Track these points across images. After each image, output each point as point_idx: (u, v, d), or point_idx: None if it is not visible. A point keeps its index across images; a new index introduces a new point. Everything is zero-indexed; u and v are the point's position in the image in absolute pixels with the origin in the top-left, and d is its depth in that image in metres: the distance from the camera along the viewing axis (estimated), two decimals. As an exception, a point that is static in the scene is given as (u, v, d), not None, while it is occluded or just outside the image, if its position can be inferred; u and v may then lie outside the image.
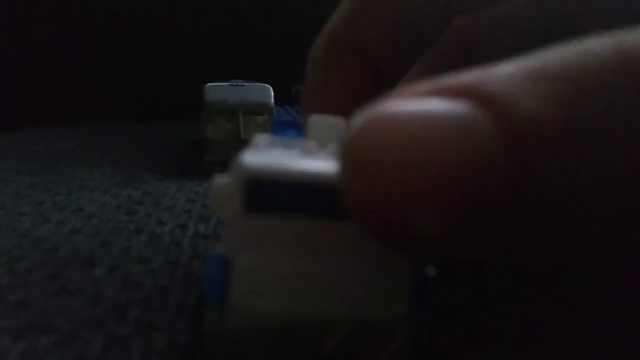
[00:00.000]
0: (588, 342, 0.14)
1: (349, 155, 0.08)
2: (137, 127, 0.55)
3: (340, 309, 0.10)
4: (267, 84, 0.38)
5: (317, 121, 0.12)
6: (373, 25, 0.17)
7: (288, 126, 0.13)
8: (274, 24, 0.64)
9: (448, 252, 0.08)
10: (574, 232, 0.08)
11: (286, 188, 0.09)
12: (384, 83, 0.17)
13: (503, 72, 0.08)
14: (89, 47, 0.63)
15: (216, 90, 0.37)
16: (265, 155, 0.11)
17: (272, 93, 0.38)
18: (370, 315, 0.10)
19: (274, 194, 0.09)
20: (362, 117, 0.08)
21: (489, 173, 0.07)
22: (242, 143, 0.37)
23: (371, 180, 0.07)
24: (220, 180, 0.11)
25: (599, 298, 0.14)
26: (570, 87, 0.07)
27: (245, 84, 0.37)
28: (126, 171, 0.36)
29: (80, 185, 0.32)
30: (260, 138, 0.13)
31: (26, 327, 0.15)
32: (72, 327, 0.15)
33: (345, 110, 0.15)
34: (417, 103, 0.08)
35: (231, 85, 0.38)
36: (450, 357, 0.14)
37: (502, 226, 0.08)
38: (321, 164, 0.10)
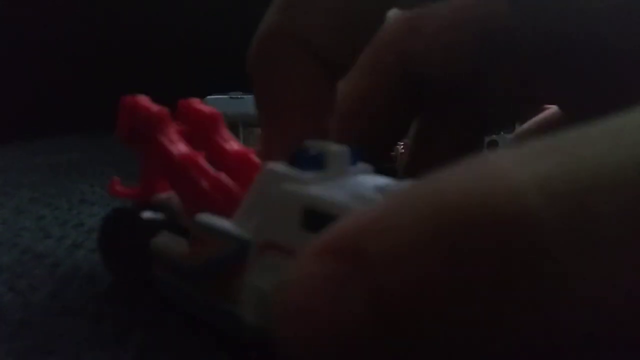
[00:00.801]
0: None
1: (279, 314, 0.09)
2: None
3: None
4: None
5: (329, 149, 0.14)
6: (313, 15, 0.15)
7: (311, 162, 0.14)
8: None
9: None
10: None
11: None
12: (333, 74, 0.16)
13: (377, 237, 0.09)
14: (90, 59, 0.64)
15: (216, 102, 0.38)
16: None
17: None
18: None
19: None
20: (282, 287, 0.09)
21: (361, 324, 0.08)
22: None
23: (292, 338, 0.09)
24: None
25: None
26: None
27: (244, 96, 0.38)
28: (127, 184, 0.36)
29: (81, 199, 0.32)
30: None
31: (29, 350, 0.15)
32: (75, 349, 0.15)
33: (304, 103, 0.15)
34: (312, 267, 0.09)
35: (231, 97, 0.38)
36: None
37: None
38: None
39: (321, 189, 0.13)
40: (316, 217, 0.12)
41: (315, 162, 0.14)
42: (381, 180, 0.14)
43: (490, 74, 0.20)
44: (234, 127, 0.37)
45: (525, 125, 0.25)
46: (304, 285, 0.09)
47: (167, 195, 0.18)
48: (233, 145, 0.19)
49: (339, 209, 0.12)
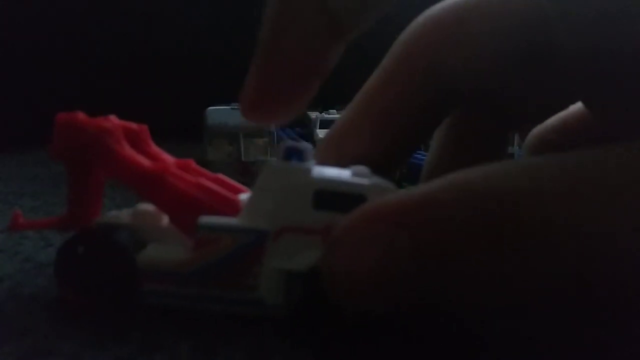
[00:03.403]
0: None
1: (328, 259, 0.13)
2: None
3: None
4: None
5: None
6: None
7: (300, 155, 0.16)
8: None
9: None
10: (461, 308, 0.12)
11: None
12: (339, 33, 0.16)
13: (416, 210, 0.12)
14: (92, 70, 0.64)
15: (217, 113, 0.38)
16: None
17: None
18: None
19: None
20: (332, 240, 0.13)
21: (405, 268, 0.12)
22: (243, 165, 0.38)
23: (340, 277, 0.13)
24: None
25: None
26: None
27: (246, 107, 0.38)
28: (127, 193, 0.37)
29: (82, 208, 0.32)
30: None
31: (29, 351, 0.15)
32: (75, 350, 0.15)
33: (300, 55, 0.16)
34: (363, 231, 0.13)
35: (232, 108, 0.38)
36: None
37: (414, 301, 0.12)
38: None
39: (323, 175, 0.16)
40: (326, 197, 0.15)
41: (301, 156, 0.16)
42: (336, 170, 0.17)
43: (529, 86, 0.19)
44: (235, 138, 0.38)
45: (549, 123, 0.24)
46: (356, 242, 0.12)
47: (114, 214, 0.18)
48: (168, 156, 0.19)
49: (346, 187, 0.15)
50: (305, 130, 0.48)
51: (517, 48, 0.18)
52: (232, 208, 0.17)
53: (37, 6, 0.63)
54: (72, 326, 0.16)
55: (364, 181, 0.16)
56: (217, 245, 0.16)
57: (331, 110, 0.47)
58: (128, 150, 0.17)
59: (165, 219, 0.18)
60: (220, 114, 0.38)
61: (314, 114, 0.47)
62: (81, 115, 0.17)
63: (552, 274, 0.11)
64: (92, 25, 0.65)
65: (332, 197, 0.15)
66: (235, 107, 0.38)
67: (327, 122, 0.44)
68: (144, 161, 0.17)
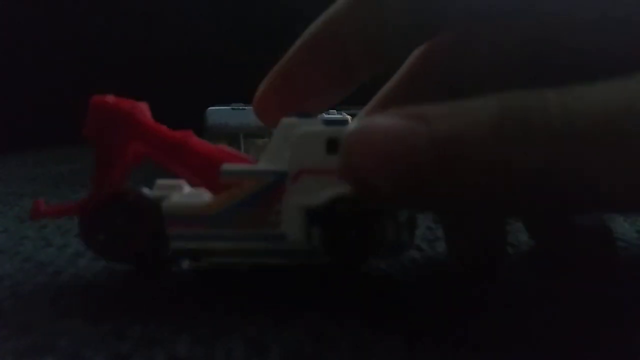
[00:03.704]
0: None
1: (346, 146, 0.14)
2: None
3: None
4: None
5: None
6: (360, 28, 0.18)
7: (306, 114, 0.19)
8: (276, 47, 0.64)
9: (398, 203, 0.15)
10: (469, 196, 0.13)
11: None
12: (350, 78, 0.19)
13: (437, 110, 0.14)
14: (91, 70, 0.64)
15: (218, 113, 0.38)
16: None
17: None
18: None
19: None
20: (354, 125, 0.14)
21: (422, 156, 0.13)
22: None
23: (354, 161, 0.14)
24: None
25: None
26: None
27: (246, 107, 0.38)
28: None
29: (83, 209, 0.32)
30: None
31: (29, 348, 0.15)
32: (74, 347, 0.15)
33: (308, 95, 0.20)
34: (387, 119, 0.14)
35: (232, 108, 0.38)
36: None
37: (428, 189, 0.13)
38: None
39: (332, 125, 0.18)
40: (337, 144, 0.18)
41: (310, 116, 0.19)
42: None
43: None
44: (235, 139, 0.37)
45: None
46: (381, 129, 0.14)
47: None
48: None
49: None
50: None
51: (396, 32, 0.19)
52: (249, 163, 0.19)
53: (37, 6, 0.63)
54: (71, 323, 0.16)
55: None
56: (240, 188, 0.18)
57: (331, 110, 0.46)
58: (155, 123, 0.19)
59: (186, 189, 0.20)
60: (220, 114, 0.38)
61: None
62: (112, 97, 0.19)
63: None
64: (91, 26, 0.65)
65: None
66: (236, 107, 0.38)
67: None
68: (168, 131, 0.19)
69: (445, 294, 0.18)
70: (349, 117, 0.20)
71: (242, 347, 0.15)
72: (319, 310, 0.17)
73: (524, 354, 0.15)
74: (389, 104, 0.21)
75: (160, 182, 0.20)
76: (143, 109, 0.19)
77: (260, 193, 0.18)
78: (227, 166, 0.18)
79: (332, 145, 0.18)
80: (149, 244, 0.19)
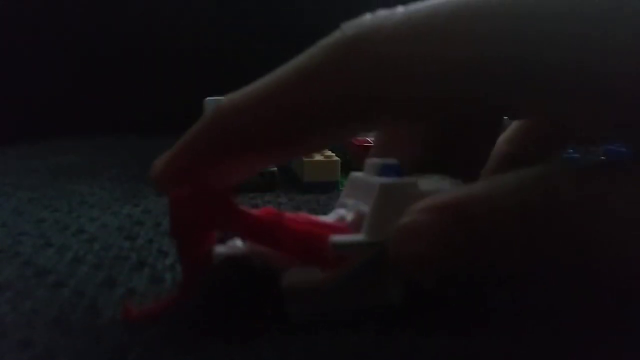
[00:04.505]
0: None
1: (396, 242, 0.16)
2: (136, 141, 0.55)
3: None
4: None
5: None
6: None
7: (395, 171, 0.19)
8: (274, 37, 0.64)
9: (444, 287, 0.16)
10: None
11: None
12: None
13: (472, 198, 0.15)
14: (89, 62, 0.64)
15: (215, 103, 0.38)
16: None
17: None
18: None
19: None
20: (400, 226, 0.16)
21: (458, 253, 0.15)
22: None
23: (404, 255, 0.16)
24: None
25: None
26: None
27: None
28: (126, 186, 0.36)
29: (81, 201, 0.32)
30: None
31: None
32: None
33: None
34: (427, 217, 0.15)
35: (230, 99, 0.38)
36: None
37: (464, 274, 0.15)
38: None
39: (429, 188, 0.18)
40: None
41: (398, 171, 0.19)
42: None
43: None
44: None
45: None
46: (419, 227, 0.15)
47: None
48: None
49: None
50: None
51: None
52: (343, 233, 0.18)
53: (36, 3, 0.62)
54: (72, 340, 0.16)
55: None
56: (350, 261, 0.17)
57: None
58: (242, 211, 0.18)
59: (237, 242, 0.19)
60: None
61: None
62: (189, 188, 0.17)
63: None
64: (89, 20, 0.65)
65: None
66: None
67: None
68: (255, 212, 0.18)
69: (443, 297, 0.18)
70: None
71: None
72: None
73: (524, 353, 0.15)
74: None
75: (234, 243, 0.19)
76: (227, 196, 0.18)
77: (368, 264, 0.17)
78: (337, 238, 0.18)
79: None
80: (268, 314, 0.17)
